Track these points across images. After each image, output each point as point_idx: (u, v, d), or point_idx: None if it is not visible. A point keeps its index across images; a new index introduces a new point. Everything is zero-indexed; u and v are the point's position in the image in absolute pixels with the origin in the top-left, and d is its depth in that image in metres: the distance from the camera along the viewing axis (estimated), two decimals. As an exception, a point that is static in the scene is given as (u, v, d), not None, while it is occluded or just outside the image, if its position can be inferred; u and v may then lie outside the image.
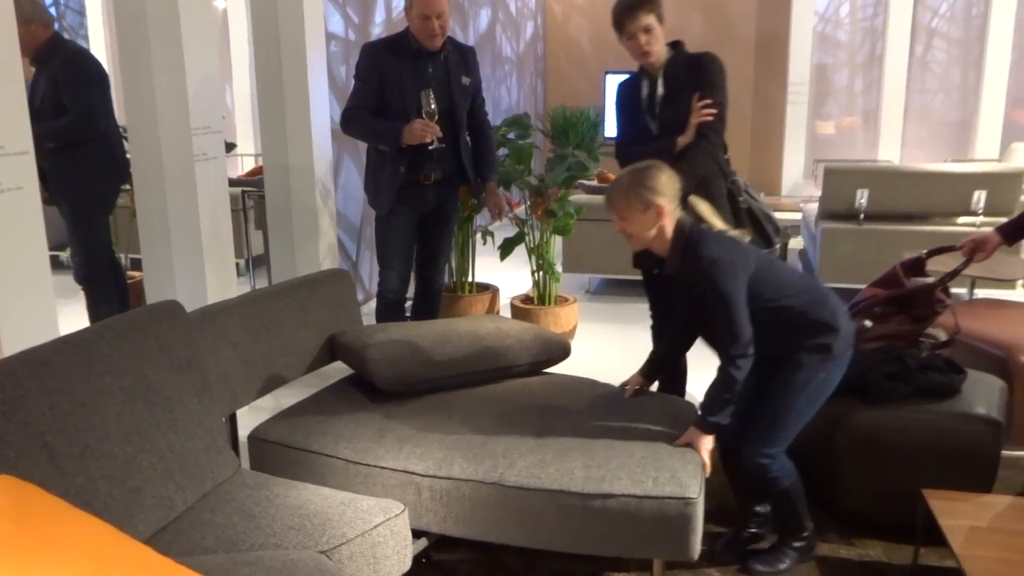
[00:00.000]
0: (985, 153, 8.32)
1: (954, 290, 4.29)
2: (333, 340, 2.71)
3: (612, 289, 5.48)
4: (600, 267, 5.29)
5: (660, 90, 2.92)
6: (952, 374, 2.56)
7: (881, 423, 2.46)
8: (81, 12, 7.12)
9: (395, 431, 2.31)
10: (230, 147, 4.53)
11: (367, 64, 3.31)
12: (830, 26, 9.11)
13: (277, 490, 2.01)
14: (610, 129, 7.98)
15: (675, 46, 2.96)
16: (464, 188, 3.59)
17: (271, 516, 1.89)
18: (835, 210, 4.87)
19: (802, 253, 5.70)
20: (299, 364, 2.62)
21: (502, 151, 4.02)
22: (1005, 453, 2.58)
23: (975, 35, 8.57)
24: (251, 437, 2.44)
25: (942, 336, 2.72)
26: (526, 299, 4.23)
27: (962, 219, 4.75)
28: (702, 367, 3.32)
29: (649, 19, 2.82)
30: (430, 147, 3.23)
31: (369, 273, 5.16)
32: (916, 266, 2.64)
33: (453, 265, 4.20)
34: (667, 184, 2.23)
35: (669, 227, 2.23)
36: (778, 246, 4.84)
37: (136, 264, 5.17)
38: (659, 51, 2.88)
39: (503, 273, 4.92)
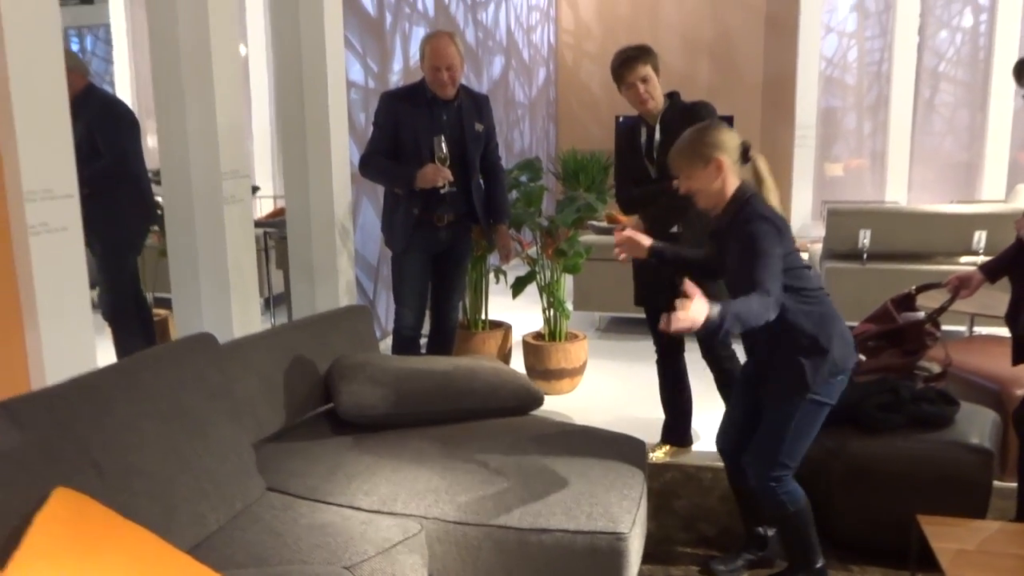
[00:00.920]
0: (991, 195, 8.45)
1: (954, 327, 4.41)
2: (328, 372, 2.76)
3: (620, 327, 5.61)
4: (609, 305, 5.43)
5: (658, 136, 3.10)
6: (945, 405, 2.67)
7: (875, 452, 2.58)
8: (107, 59, 7.42)
9: (346, 468, 2.35)
10: (253, 190, 4.72)
11: (384, 111, 3.52)
12: (837, 70, 9.32)
13: (302, 511, 2.15)
14: (620, 171, 8.17)
15: (671, 96, 3.16)
16: (476, 229, 3.75)
17: (297, 535, 2.02)
18: (839, 250, 5.00)
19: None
20: (320, 395, 2.76)
21: (513, 193, 4.19)
22: (998, 484, 2.68)
23: (980, 78, 8.76)
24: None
25: (935, 369, 2.84)
26: (537, 336, 4.36)
27: (964, 259, 4.87)
28: (705, 398, 3.45)
29: (646, 70, 3.06)
30: (442, 191, 3.40)
31: (386, 310, 5.32)
32: (906, 301, 2.77)
33: (467, 303, 4.34)
34: (727, 140, 2.31)
35: (731, 183, 2.30)
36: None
37: (160, 302, 5.37)
38: (657, 98, 3.10)
39: (515, 311, 5.06)
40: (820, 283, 2.36)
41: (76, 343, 2.62)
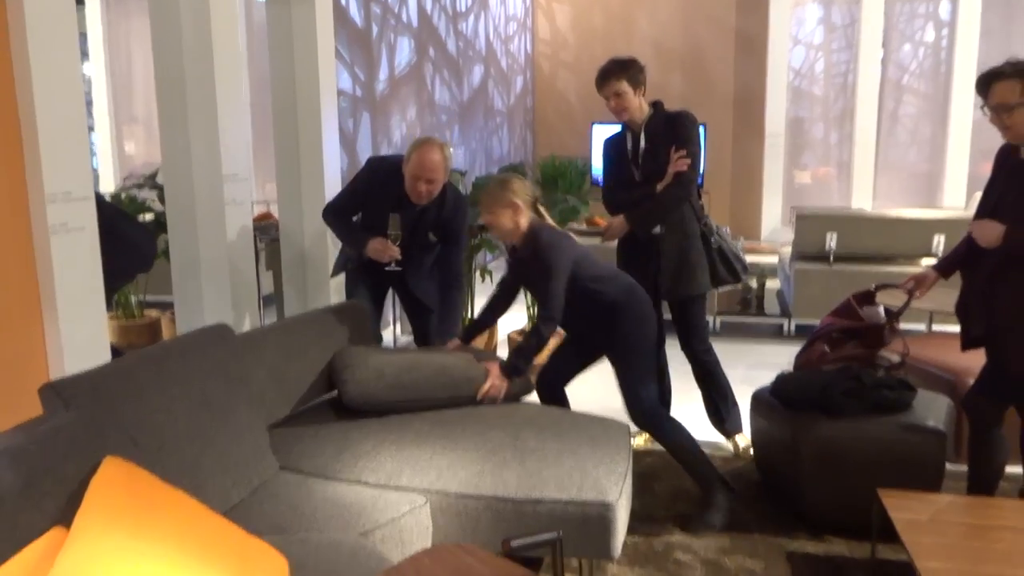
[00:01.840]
0: (952, 203, 8.80)
1: (914, 325, 4.67)
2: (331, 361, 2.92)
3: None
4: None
5: (643, 144, 3.31)
6: (904, 392, 2.91)
7: (840, 434, 2.80)
8: (82, 67, 7.44)
9: (352, 448, 2.54)
10: (247, 194, 4.85)
11: (364, 179, 3.40)
12: (805, 81, 9.64)
13: (314, 487, 2.32)
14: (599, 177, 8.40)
15: (655, 106, 3.37)
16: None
17: (312, 507, 2.19)
18: (807, 252, 5.26)
19: (779, 293, 6.08)
20: (324, 384, 2.92)
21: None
22: (950, 467, 2.92)
23: (942, 91, 9.12)
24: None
25: (895, 358, 3.07)
26: (521, 332, 4.56)
27: (924, 260, 5.15)
28: (684, 389, 3.65)
29: (619, 85, 3.26)
30: (387, 268, 3.28)
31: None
32: (867, 297, 3.01)
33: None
34: (522, 190, 2.92)
35: (524, 222, 2.91)
36: (745, 282, 5.22)
37: (151, 305, 5.49)
38: (632, 111, 3.30)
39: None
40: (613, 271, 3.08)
41: (92, 334, 2.78)
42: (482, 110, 8.25)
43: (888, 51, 9.22)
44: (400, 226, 3.25)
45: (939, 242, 5.13)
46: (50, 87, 2.57)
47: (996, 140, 2.55)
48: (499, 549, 2.29)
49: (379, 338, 3.62)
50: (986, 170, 3.09)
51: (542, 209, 3.03)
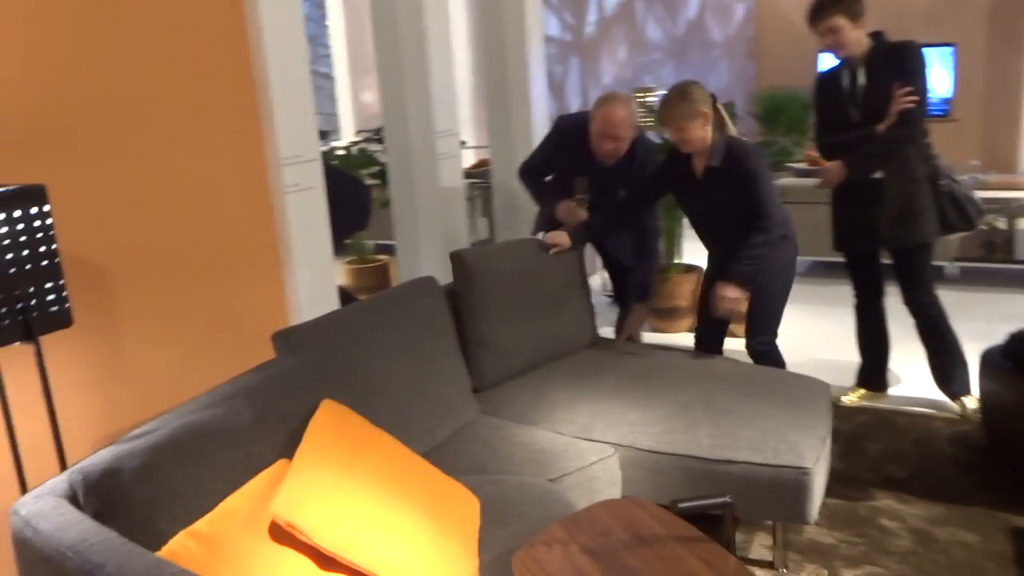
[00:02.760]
0: None
1: None
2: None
3: (819, 271, 5.52)
4: (808, 249, 5.29)
5: (861, 80, 3.06)
6: None
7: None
8: (321, 23, 7.98)
9: (550, 398, 2.64)
10: (462, 144, 5.09)
11: (554, 136, 3.45)
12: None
13: (513, 431, 2.46)
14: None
15: (876, 36, 3.08)
16: None
17: (509, 451, 2.34)
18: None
19: (1033, 235, 5.41)
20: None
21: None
22: None
23: None
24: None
25: None
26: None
27: None
28: (904, 343, 3.42)
29: (835, 20, 2.98)
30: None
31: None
32: None
33: (662, 248, 4.49)
34: (703, 96, 2.80)
35: (710, 130, 2.81)
36: (992, 224, 4.71)
37: (382, 249, 5.95)
38: (851, 46, 3.03)
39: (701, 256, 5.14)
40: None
41: (322, 281, 3.09)
42: (698, 44, 7.94)
43: None
44: (586, 188, 3.19)
45: None
46: (282, 69, 2.83)
47: None
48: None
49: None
50: None
51: (723, 111, 2.89)
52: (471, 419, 2.56)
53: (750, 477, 2.27)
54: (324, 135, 6.71)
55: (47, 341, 2.06)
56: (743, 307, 2.95)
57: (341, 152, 5.71)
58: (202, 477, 1.68)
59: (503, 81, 4.56)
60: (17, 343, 1.86)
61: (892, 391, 3.48)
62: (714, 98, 2.88)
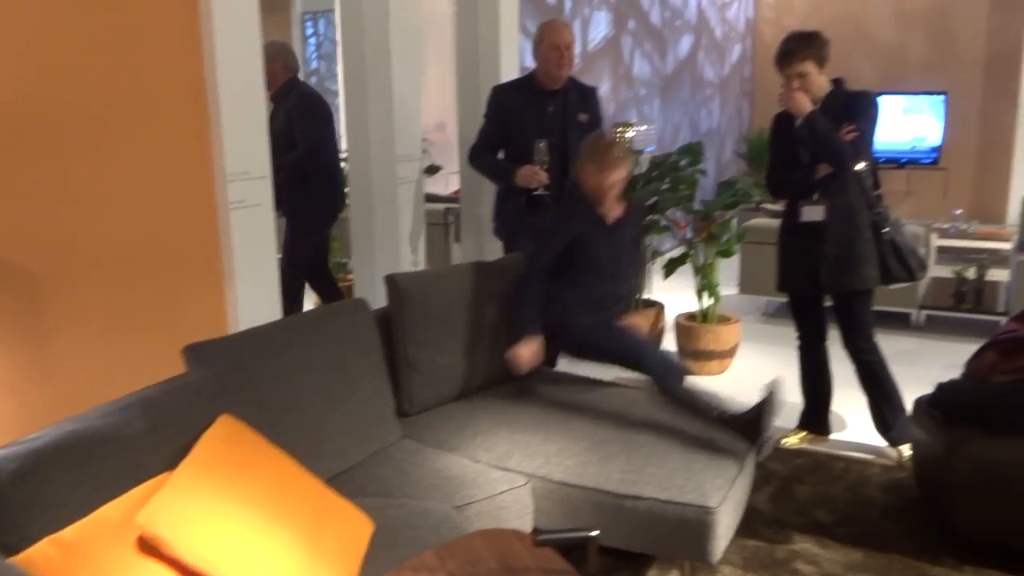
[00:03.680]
0: None
1: None
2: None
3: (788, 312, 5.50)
4: (774, 290, 5.34)
5: None
6: (1094, 414, 2.52)
7: (1003, 455, 2.49)
8: (331, 59, 8.09)
9: (473, 425, 2.64)
10: (435, 169, 5.13)
11: (494, 104, 3.67)
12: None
13: (428, 456, 2.47)
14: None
15: (836, 82, 3.12)
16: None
17: (419, 475, 2.34)
18: (1034, 243, 4.63)
19: (1007, 287, 5.41)
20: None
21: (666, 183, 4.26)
22: None
23: None
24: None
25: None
26: (690, 317, 4.45)
27: None
28: (848, 388, 3.39)
29: (804, 65, 3.03)
30: (535, 192, 3.47)
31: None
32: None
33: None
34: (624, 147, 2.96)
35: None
36: (961, 273, 4.69)
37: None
38: (814, 91, 3.07)
39: (673, 292, 5.16)
40: None
41: (265, 298, 3.10)
42: (689, 81, 8.01)
43: None
44: (547, 152, 3.43)
45: None
46: (234, 85, 2.86)
47: None
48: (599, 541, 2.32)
49: None
50: None
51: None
52: (390, 442, 2.56)
53: (656, 514, 2.27)
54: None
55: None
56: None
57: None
58: (82, 485, 1.68)
59: (477, 108, 4.61)
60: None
61: (834, 435, 3.47)
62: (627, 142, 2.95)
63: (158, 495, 1.64)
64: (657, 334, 4.48)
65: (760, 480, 3.07)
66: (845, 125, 2.99)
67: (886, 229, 3.09)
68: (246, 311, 3.03)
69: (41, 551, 1.52)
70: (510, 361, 2.74)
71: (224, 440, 1.87)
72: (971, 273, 5.19)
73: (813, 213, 3.11)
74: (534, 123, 3.57)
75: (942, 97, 8.12)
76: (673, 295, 5.11)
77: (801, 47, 3.04)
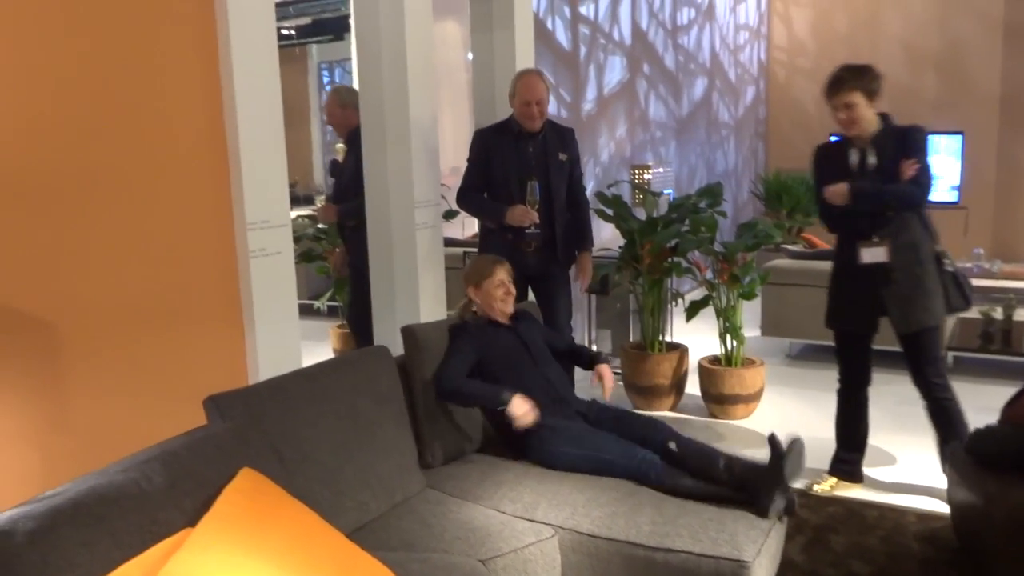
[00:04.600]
0: None
1: None
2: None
3: (814, 355, 5.43)
4: (798, 332, 5.29)
5: (871, 159, 3.05)
6: None
7: (1047, 503, 2.40)
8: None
9: (497, 475, 2.58)
10: (453, 214, 5.13)
11: (477, 147, 3.81)
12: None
13: (451, 507, 2.41)
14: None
15: (884, 117, 3.09)
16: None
17: (443, 527, 2.28)
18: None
19: (1032, 326, 5.31)
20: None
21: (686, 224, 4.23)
22: None
23: None
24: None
25: None
26: (713, 360, 4.39)
27: None
28: (883, 434, 3.31)
29: (852, 96, 2.98)
30: (527, 230, 3.67)
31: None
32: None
33: (643, 324, 4.46)
34: None
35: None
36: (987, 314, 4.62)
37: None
38: (863, 126, 3.03)
39: (695, 335, 5.10)
40: None
41: (285, 346, 3.08)
42: (704, 123, 8.04)
43: None
44: (536, 191, 3.59)
45: None
46: (254, 134, 2.88)
47: None
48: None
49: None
50: None
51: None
52: (412, 493, 2.51)
53: (690, 569, 2.19)
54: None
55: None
56: None
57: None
58: (99, 543, 1.64)
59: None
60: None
61: (866, 483, 3.37)
62: None
63: (179, 552, 1.59)
64: (680, 378, 4.40)
65: (792, 529, 2.98)
66: (903, 160, 2.97)
67: (947, 260, 3.05)
68: (266, 360, 3.01)
69: (57, 614, 1.47)
70: (514, 419, 2.63)
71: (246, 494, 1.82)
72: (998, 313, 5.11)
73: (875, 255, 3.04)
74: (515, 164, 3.71)
75: (959, 137, 8.10)
76: (695, 336, 5.05)
77: (851, 77, 3.00)
